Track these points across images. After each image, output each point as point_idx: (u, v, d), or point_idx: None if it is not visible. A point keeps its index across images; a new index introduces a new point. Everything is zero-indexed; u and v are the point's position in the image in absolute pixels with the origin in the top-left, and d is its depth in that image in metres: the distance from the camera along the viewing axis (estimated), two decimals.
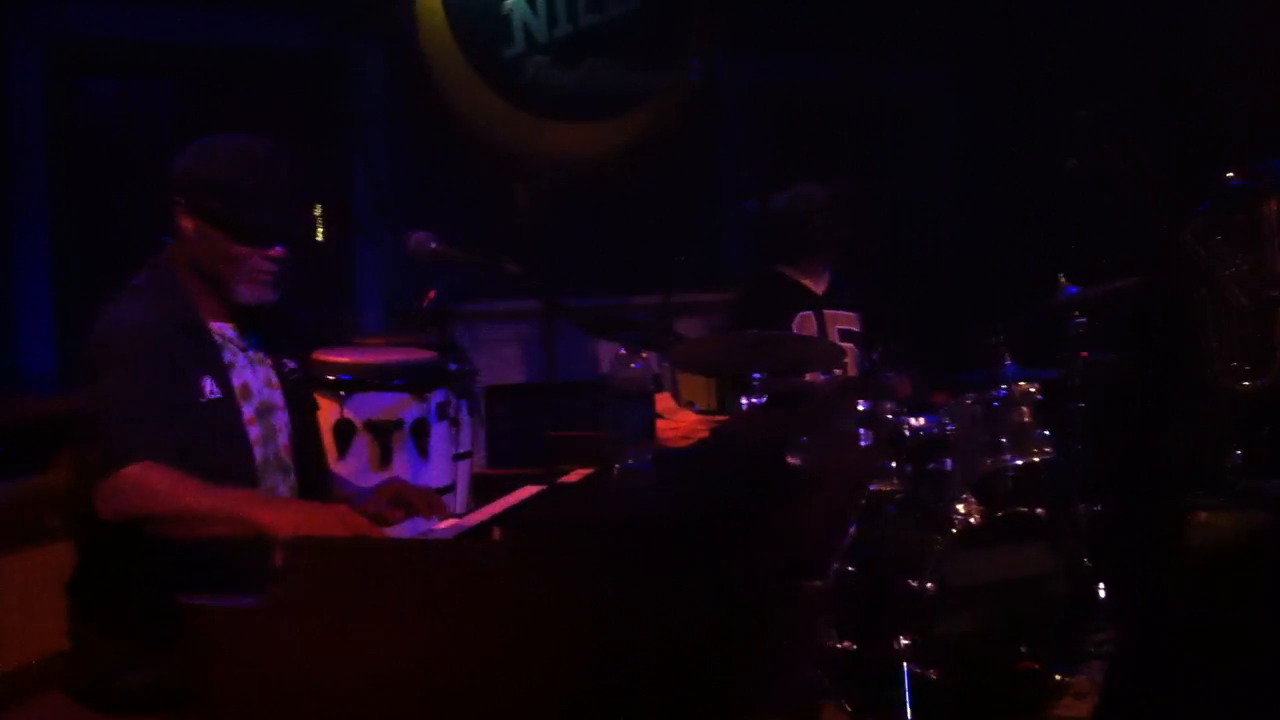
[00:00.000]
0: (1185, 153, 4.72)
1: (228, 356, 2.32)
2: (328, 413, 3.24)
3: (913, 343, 4.18)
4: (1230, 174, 4.41)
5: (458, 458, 3.65)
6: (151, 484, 2.03)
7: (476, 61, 5.28)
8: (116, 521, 2.06)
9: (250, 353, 2.38)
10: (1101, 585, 3.55)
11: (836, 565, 3.37)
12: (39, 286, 4.73)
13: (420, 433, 3.46)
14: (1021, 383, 3.64)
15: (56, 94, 4.80)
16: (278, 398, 2.40)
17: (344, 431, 3.34)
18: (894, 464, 3.56)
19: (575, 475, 2.51)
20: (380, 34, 5.23)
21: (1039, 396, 3.66)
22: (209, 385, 2.24)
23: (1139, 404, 4.87)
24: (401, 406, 3.42)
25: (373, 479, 2.63)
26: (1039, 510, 3.49)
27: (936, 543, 3.35)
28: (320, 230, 4.36)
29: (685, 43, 5.73)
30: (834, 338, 4.14)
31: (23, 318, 4.71)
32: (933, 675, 3.22)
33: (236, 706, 1.59)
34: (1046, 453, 3.62)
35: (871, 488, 3.51)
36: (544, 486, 2.46)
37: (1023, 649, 3.38)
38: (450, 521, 2.36)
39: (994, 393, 3.64)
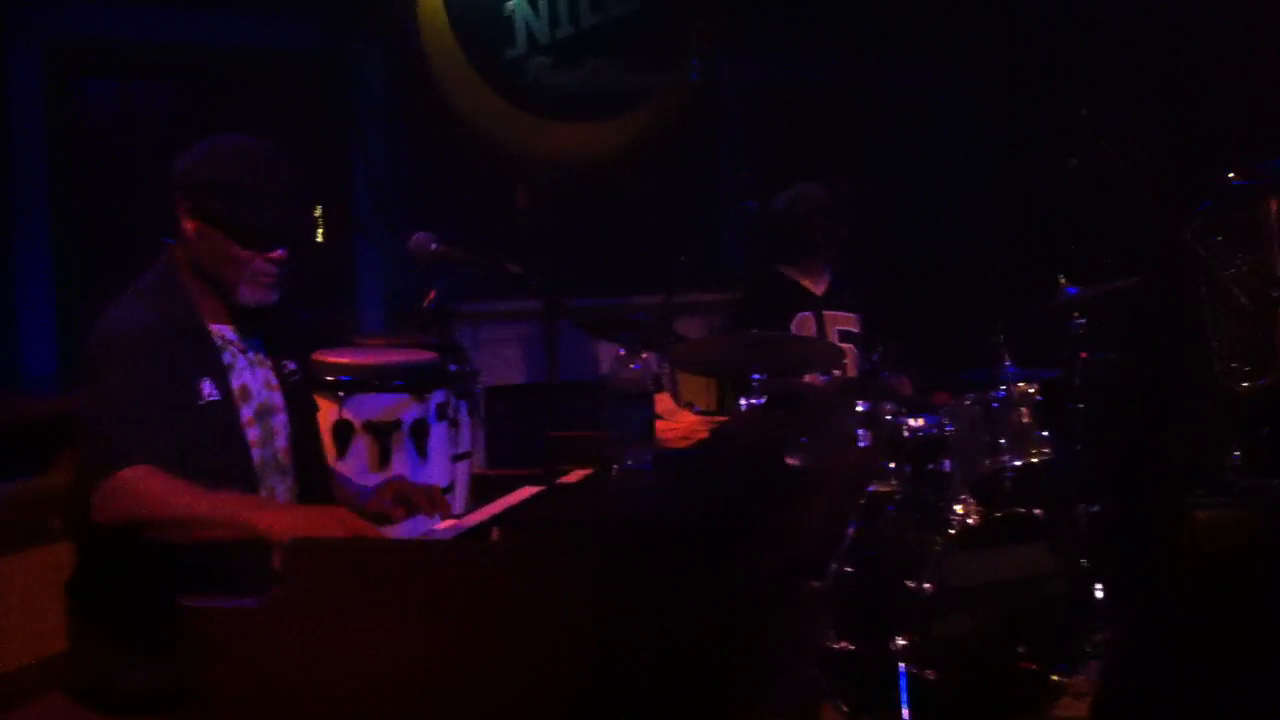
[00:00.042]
0: (1185, 153, 4.73)
1: (227, 358, 2.32)
2: (326, 413, 3.23)
3: (912, 343, 4.18)
4: (1230, 174, 4.42)
5: (456, 458, 3.65)
6: (147, 489, 2.02)
7: (478, 62, 5.29)
8: (113, 526, 2.05)
9: (250, 354, 2.37)
10: (1100, 585, 3.55)
11: (835, 565, 3.37)
12: (39, 287, 4.73)
13: (419, 433, 3.45)
14: (1021, 383, 3.64)
15: (56, 94, 4.80)
16: (277, 399, 2.40)
17: (342, 432, 3.33)
18: (893, 464, 3.56)
19: (575, 476, 2.50)
20: (380, 34, 5.23)
21: (1039, 397, 3.65)
22: (207, 387, 2.24)
23: (1139, 404, 4.87)
24: (401, 407, 3.42)
25: (372, 480, 2.62)
26: (1038, 511, 3.49)
27: (935, 543, 3.35)
28: (321, 231, 4.37)
29: (685, 43, 5.74)
30: (833, 339, 4.14)
31: (23, 318, 4.71)
32: (931, 676, 3.22)
33: (237, 707, 1.59)
34: (1046, 453, 3.62)
35: (871, 488, 3.51)
36: (543, 487, 2.45)
37: (1022, 649, 3.38)
38: (450, 522, 2.36)
39: (993, 393, 3.64)
